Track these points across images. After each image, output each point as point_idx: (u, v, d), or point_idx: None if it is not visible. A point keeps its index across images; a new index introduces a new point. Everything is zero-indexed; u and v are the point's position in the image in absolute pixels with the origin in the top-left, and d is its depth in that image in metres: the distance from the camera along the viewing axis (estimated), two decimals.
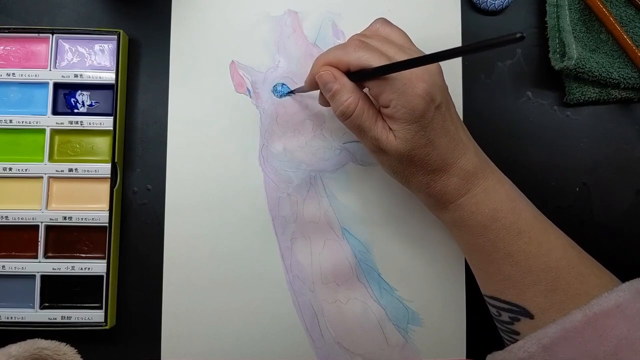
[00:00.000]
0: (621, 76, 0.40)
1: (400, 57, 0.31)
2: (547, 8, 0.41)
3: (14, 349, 0.30)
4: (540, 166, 0.42)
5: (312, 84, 0.34)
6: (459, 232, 0.34)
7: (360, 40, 0.32)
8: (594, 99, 0.41)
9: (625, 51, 0.40)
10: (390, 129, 0.32)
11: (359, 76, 0.32)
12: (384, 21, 0.34)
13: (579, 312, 0.30)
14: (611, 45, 0.41)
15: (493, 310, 0.35)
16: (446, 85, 0.33)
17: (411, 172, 0.33)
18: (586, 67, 0.39)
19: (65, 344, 0.34)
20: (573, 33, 0.39)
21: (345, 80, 0.32)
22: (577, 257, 0.32)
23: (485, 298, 0.35)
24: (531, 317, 0.32)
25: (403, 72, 0.30)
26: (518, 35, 0.22)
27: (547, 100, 0.42)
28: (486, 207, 0.32)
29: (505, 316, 0.33)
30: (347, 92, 0.32)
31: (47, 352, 0.32)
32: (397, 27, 0.34)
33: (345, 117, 0.32)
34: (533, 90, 0.42)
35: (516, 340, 0.33)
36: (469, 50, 0.28)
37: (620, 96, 0.41)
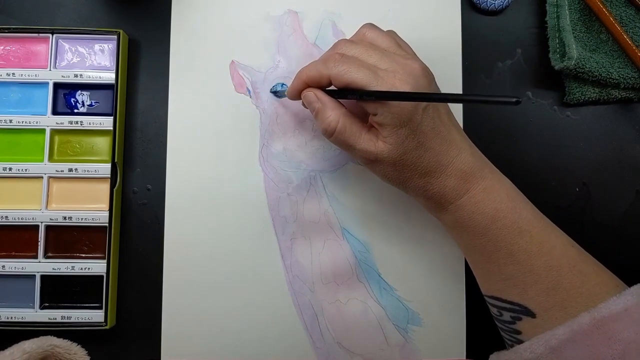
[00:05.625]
0: (621, 76, 0.40)
1: (383, 63, 0.31)
2: (547, 8, 0.41)
3: (28, 345, 0.31)
4: (540, 166, 0.42)
5: (294, 95, 0.35)
6: (459, 233, 0.34)
7: (341, 53, 0.32)
8: (594, 99, 0.41)
9: (625, 51, 0.40)
10: (378, 137, 0.32)
11: (340, 93, 0.33)
12: (371, 26, 0.34)
13: (587, 315, 0.30)
14: (611, 45, 0.41)
15: (494, 311, 0.35)
16: (435, 87, 0.33)
17: (406, 177, 0.33)
18: (586, 67, 0.39)
19: (76, 344, 0.35)
20: (573, 33, 0.39)
21: (325, 99, 0.33)
22: (577, 255, 0.32)
23: (486, 298, 0.35)
24: (533, 315, 0.32)
25: (386, 77, 0.30)
26: (514, 99, 0.23)
27: (547, 100, 0.42)
28: (486, 207, 0.32)
29: (506, 316, 0.33)
30: (328, 110, 0.33)
31: (59, 350, 0.33)
32: (384, 31, 0.34)
33: (328, 134, 0.33)
34: (533, 90, 0.42)
35: (518, 340, 0.33)
36: (454, 99, 0.28)
37: (620, 96, 0.41)
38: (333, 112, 0.33)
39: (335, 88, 0.33)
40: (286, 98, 0.38)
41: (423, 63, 0.32)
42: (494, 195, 0.32)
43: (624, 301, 0.30)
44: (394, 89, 0.30)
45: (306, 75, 0.33)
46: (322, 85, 0.33)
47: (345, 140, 0.33)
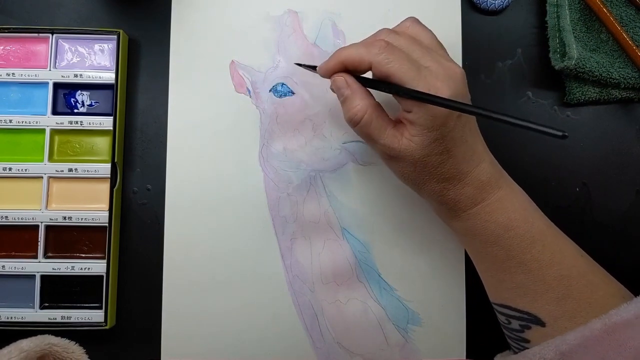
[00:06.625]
0: (621, 76, 0.40)
1: (425, 60, 0.30)
2: (547, 8, 0.41)
3: (25, 343, 0.31)
4: (540, 166, 0.42)
5: (326, 74, 0.33)
6: (471, 241, 0.34)
7: (387, 41, 0.31)
8: (594, 99, 0.41)
9: (626, 51, 0.40)
10: (403, 134, 0.31)
11: (372, 83, 0.32)
12: (414, 20, 0.33)
13: (599, 322, 0.29)
14: (611, 45, 0.41)
15: (502, 318, 0.34)
16: (469, 95, 0.32)
17: (424, 179, 0.32)
18: (586, 67, 0.39)
19: (74, 342, 0.34)
20: (573, 33, 0.39)
21: (356, 87, 0.32)
22: (586, 265, 0.32)
23: (495, 306, 0.35)
24: (543, 324, 0.31)
25: (428, 76, 0.29)
26: (561, 134, 0.23)
27: (547, 100, 0.42)
28: (500, 217, 0.32)
29: (515, 324, 0.33)
30: (357, 99, 0.31)
31: (57, 349, 0.33)
32: (426, 27, 0.33)
33: (353, 123, 0.32)
34: (533, 90, 0.42)
35: (525, 349, 0.33)
36: (501, 120, 0.26)
37: (620, 96, 0.41)
38: (362, 102, 0.31)
39: (366, 77, 0.32)
40: (286, 98, 0.38)
41: (461, 68, 0.31)
42: (508, 205, 0.32)
43: (635, 308, 0.29)
44: (434, 90, 0.29)
45: (346, 56, 0.31)
46: (359, 70, 0.32)
47: (369, 133, 0.32)
